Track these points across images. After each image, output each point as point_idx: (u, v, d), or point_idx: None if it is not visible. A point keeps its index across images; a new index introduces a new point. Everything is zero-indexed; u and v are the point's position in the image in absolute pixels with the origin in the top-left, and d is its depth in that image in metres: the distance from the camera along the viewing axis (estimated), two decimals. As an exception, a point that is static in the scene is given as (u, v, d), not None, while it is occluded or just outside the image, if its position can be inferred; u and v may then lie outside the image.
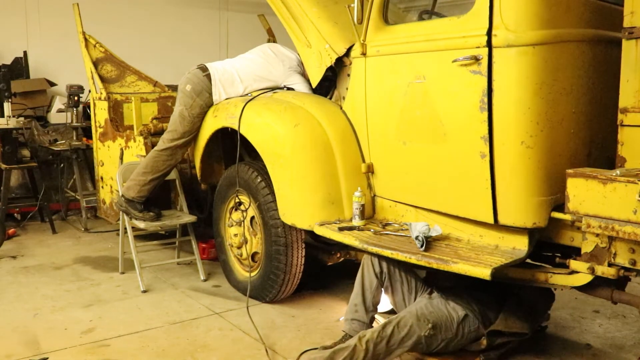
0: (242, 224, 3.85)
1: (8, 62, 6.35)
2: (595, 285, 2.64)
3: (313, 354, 2.75)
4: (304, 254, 3.61)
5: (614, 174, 2.30)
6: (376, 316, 3.12)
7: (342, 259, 3.72)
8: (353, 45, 3.44)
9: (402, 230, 3.15)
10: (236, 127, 3.66)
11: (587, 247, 2.53)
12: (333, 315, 3.61)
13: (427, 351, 2.86)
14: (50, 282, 4.25)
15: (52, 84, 6.65)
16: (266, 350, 3.07)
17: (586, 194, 2.37)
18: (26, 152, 5.95)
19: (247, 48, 4.24)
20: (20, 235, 5.59)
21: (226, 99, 3.94)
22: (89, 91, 5.47)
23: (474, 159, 2.75)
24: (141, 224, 4.16)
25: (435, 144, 2.95)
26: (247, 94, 3.92)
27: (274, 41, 5.30)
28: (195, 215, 4.36)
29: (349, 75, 3.51)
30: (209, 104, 3.98)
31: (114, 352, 3.14)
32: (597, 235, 2.45)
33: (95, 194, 5.62)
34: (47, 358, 3.06)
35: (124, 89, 5.42)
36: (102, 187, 5.32)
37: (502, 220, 2.73)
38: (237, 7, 8.44)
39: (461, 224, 2.99)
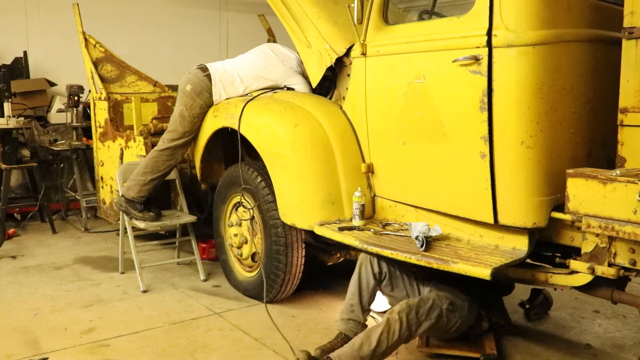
0: (242, 224, 3.85)
1: (8, 62, 6.36)
2: (595, 285, 2.64)
3: (340, 350, 2.74)
4: (304, 254, 3.61)
5: (614, 174, 2.30)
6: (372, 314, 3.13)
7: (342, 259, 3.72)
8: (353, 45, 3.44)
9: (402, 230, 3.15)
10: (236, 127, 3.66)
11: (587, 247, 2.53)
12: (333, 315, 3.61)
13: (445, 329, 2.91)
14: (50, 282, 4.25)
15: (52, 84, 6.65)
16: (292, 350, 3.05)
17: (586, 194, 2.37)
18: (26, 152, 5.95)
19: (247, 48, 4.24)
20: (20, 235, 5.59)
21: (226, 99, 3.94)
22: (89, 91, 5.47)
23: (474, 159, 2.75)
24: (141, 224, 4.16)
25: (435, 144, 2.95)
26: (247, 94, 3.92)
27: (274, 41, 5.30)
28: (195, 215, 4.36)
29: (349, 75, 3.51)
30: (209, 104, 3.98)
31: (114, 352, 3.14)
32: (597, 235, 2.45)
33: (95, 194, 5.62)
34: (47, 358, 3.06)
35: (124, 89, 5.42)
36: (102, 187, 5.32)
37: (502, 220, 2.73)
38: (237, 7, 8.44)
39: (461, 224, 2.99)
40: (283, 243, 3.54)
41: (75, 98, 5.76)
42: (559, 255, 2.79)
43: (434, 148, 2.96)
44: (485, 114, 2.66)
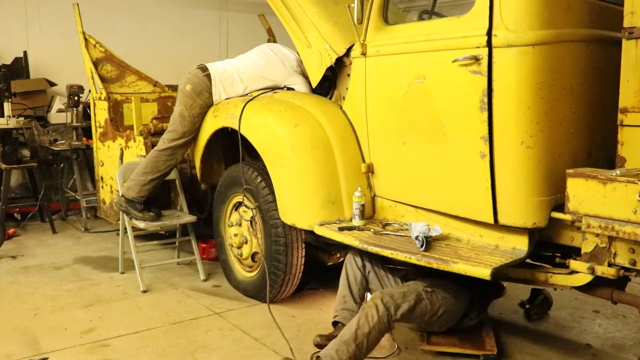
0: (242, 224, 3.85)
1: (8, 62, 6.35)
2: (595, 285, 2.64)
3: (328, 347, 2.76)
4: (304, 254, 3.61)
5: (614, 174, 2.30)
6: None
7: (342, 259, 3.72)
8: (353, 45, 3.44)
9: (402, 230, 3.15)
10: (236, 127, 3.66)
11: (587, 247, 2.53)
12: (332, 313, 3.61)
13: (432, 313, 2.92)
14: (50, 282, 4.25)
15: (52, 84, 6.65)
16: (291, 350, 3.05)
17: (586, 194, 2.37)
18: (26, 152, 5.96)
19: (247, 48, 4.24)
20: (20, 235, 5.59)
21: (226, 99, 3.94)
22: (89, 91, 5.48)
23: (474, 159, 2.75)
24: (141, 224, 4.16)
25: (435, 144, 2.95)
26: (247, 94, 3.92)
27: (274, 41, 5.30)
28: (195, 215, 4.36)
29: (349, 75, 3.51)
30: (209, 104, 3.98)
31: (114, 352, 3.14)
32: (597, 235, 2.45)
33: (95, 194, 5.62)
34: (47, 358, 3.06)
35: (124, 89, 5.42)
36: (102, 187, 5.32)
37: (502, 220, 2.73)
38: (237, 7, 8.44)
39: (461, 224, 2.99)
40: (283, 243, 3.54)
41: (75, 98, 5.76)
42: (559, 255, 2.79)
43: (434, 148, 2.96)
44: (485, 114, 2.66)
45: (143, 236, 5.00)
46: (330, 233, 3.21)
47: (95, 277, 4.39)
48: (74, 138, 5.89)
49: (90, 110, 5.54)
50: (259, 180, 3.65)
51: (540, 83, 2.57)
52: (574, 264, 2.60)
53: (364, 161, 3.43)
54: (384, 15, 3.21)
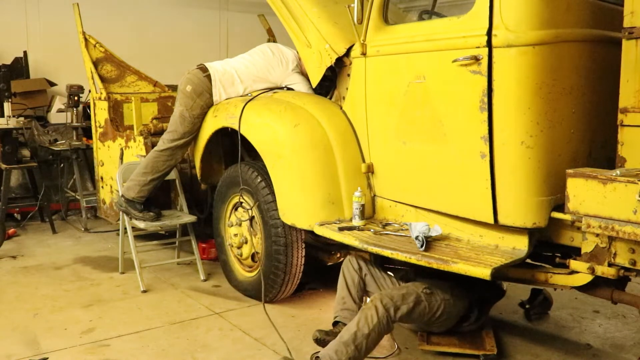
0: (242, 224, 3.85)
1: (8, 62, 6.34)
2: (595, 285, 2.64)
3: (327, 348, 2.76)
4: (304, 254, 3.61)
5: (614, 174, 2.30)
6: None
7: (342, 259, 3.73)
8: (353, 45, 3.44)
9: (402, 230, 3.15)
10: (236, 127, 3.66)
11: (587, 247, 2.53)
12: (332, 315, 3.61)
13: (431, 314, 2.93)
14: (50, 282, 4.25)
15: (52, 84, 6.65)
16: (288, 350, 3.07)
17: (586, 194, 2.36)
18: (26, 152, 5.95)
19: (247, 48, 4.24)
20: (20, 235, 5.59)
21: (226, 99, 3.94)
22: (89, 91, 5.48)
23: (474, 159, 2.75)
24: (141, 224, 4.16)
25: (435, 144, 2.95)
26: (247, 94, 3.92)
27: (274, 41, 5.30)
28: (195, 215, 4.36)
29: (349, 75, 3.51)
30: (209, 105, 3.98)
31: (114, 352, 3.14)
32: (597, 235, 2.45)
33: (95, 194, 5.62)
34: (47, 358, 3.07)
35: (124, 89, 5.42)
36: (102, 187, 5.32)
37: (502, 220, 2.73)
38: (237, 7, 8.44)
39: (461, 224, 2.99)
40: (283, 243, 3.54)
41: (75, 98, 5.76)
42: (559, 255, 2.79)
43: (434, 148, 2.96)
44: (485, 114, 2.66)
45: (143, 236, 5.00)
46: (330, 233, 3.21)
47: (95, 277, 4.39)
48: (74, 138, 5.89)
49: (90, 110, 5.54)
50: (258, 180, 3.65)
51: (540, 83, 2.57)
52: (574, 264, 2.60)
53: (364, 161, 3.43)
54: (384, 15, 3.21)
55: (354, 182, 3.38)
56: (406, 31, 3.10)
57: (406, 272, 3.32)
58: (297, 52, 3.95)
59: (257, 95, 3.80)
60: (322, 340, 2.94)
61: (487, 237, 2.89)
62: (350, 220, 3.33)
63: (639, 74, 2.44)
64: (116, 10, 7.41)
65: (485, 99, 2.65)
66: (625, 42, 2.48)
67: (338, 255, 3.78)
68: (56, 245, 5.26)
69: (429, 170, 3.03)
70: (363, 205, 3.28)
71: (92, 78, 5.30)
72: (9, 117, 5.32)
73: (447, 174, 2.93)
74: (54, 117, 6.45)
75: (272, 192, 3.54)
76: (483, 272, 2.56)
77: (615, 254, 2.43)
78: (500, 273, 2.66)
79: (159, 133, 4.54)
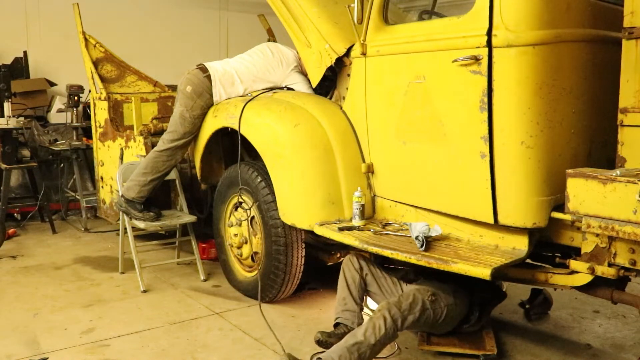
0: (242, 224, 3.85)
1: (8, 62, 6.35)
2: (595, 285, 2.64)
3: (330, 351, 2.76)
4: (304, 253, 3.61)
5: (614, 174, 2.30)
6: (366, 310, 3.15)
7: (342, 259, 3.72)
8: (353, 45, 3.44)
9: (402, 230, 3.15)
10: (236, 127, 3.66)
11: (587, 247, 2.53)
12: (333, 315, 3.60)
13: (434, 320, 2.93)
14: (50, 282, 4.25)
15: (52, 84, 6.65)
16: (283, 350, 3.08)
17: (586, 194, 2.36)
18: (26, 152, 5.96)
19: (247, 48, 4.23)
20: (20, 235, 5.59)
21: (226, 99, 3.94)
22: (89, 91, 5.48)
23: (474, 159, 2.75)
24: (141, 224, 4.16)
25: (435, 144, 2.95)
26: (247, 94, 3.92)
27: (274, 41, 5.29)
28: (195, 215, 4.36)
29: (349, 75, 3.51)
30: (210, 105, 3.98)
31: (114, 352, 3.14)
32: (597, 235, 2.45)
33: (95, 194, 5.63)
34: (47, 358, 3.06)
35: (124, 89, 5.42)
36: (102, 187, 5.32)
37: (502, 220, 2.73)
38: (237, 7, 8.44)
39: (461, 224, 2.99)
40: (283, 243, 3.54)
41: (75, 98, 5.76)
42: (559, 255, 2.79)
43: (434, 148, 2.96)
44: (485, 114, 2.66)
45: (143, 236, 5.00)
46: (330, 233, 3.21)
47: (95, 277, 4.39)
48: (74, 138, 5.89)
49: (90, 110, 5.54)
50: (258, 180, 3.65)
51: (540, 83, 2.57)
52: (574, 264, 2.60)
53: (364, 161, 3.43)
54: (384, 15, 3.21)
55: (354, 182, 3.38)
56: (406, 31, 3.10)
57: (406, 272, 3.33)
58: (297, 52, 3.95)
59: (257, 95, 3.80)
60: (324, 341, 2.93)
61: (487, 237, 2.89)
62: (350, 220, 3.33)
63: (639, 74, 2.44)
64: (116, 10, 7.41)
65: (485, 99, 2.65)
66: (625, 42, 2.48)
67: (338, 255, 3.77)
68: (56, 245, 5.26)
69: (429, 170, 3.03)
70: (363, 205, 3.28)
71: (92, 78, 5.30)
72: (9, 117, 5.32)
73: (447, 174, 2.93)
74: (54, 117, 6.45)
75: (272, 192, 3.54)
76: (483, 272, 2.56)
77: (615, 254, 2.43)
78: (500, 273, 2.66)
79: (159, 133, 4.55)
